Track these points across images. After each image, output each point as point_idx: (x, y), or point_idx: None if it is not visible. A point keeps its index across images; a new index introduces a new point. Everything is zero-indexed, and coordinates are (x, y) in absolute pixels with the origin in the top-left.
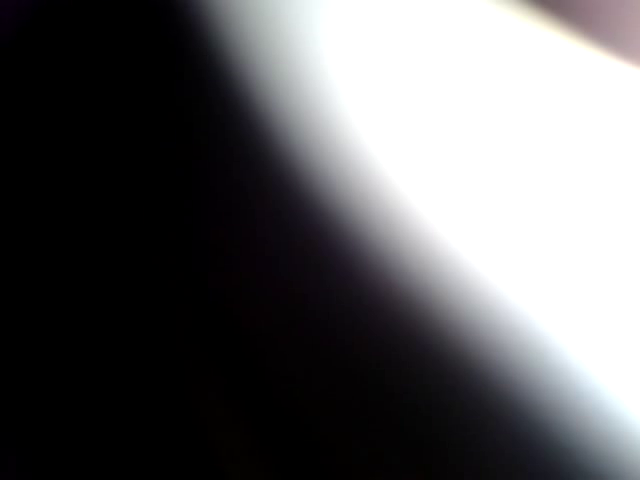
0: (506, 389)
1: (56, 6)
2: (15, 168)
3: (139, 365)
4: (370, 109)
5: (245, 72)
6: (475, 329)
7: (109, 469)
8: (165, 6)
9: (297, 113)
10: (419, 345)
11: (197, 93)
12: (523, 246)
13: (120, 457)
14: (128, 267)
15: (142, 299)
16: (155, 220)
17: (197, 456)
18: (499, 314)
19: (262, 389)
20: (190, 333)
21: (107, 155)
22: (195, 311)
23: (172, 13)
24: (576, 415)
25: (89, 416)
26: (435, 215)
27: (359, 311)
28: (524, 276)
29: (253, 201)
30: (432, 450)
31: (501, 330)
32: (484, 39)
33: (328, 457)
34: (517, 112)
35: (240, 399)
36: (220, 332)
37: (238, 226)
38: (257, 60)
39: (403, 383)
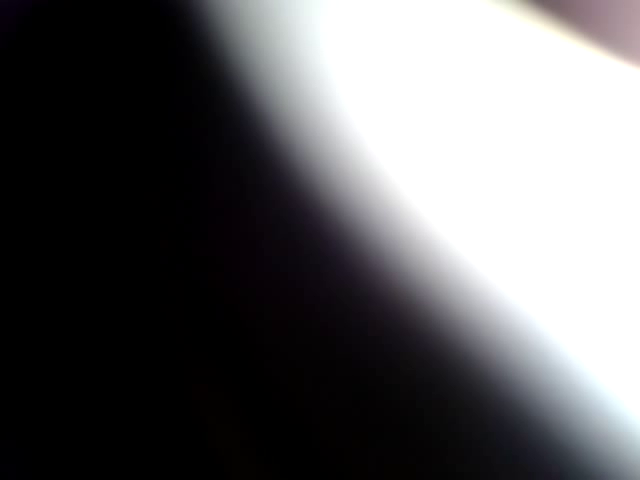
0: (506, 389)
1: (56, 6)
2: (15, 168)
3: (139, 365)
4: (370, 109)
5: (245, 72)
6: (475, 329)
7: (109, 469)
8: (165, 6)
9: (297, 113)
10: (419, 345)
11: (197, 93)
12: (523, 246)
13: (120, 457)
14: (128, 267)
15: (142, 299)
16: (155, 220)
17: (197, 456)
18: (499, 314)
19: (262, 389)
20: (190, 333)
21: (107, 155)
22: (195, 311)
23: (172, 13)
24: (576, 415)
25: (89, 416)
26: (435, 215)
27: (359, 311)
28: (524, 276)
29: (253, 201)
30: (432, 450)
31: (501, 330)
32: (484, 39)
33: (328, 457)
34: (517, 112)
35: (240, 399)
36: (220, 332)
37: (238, 226)
38: (257, 60)
39: (403, 383)
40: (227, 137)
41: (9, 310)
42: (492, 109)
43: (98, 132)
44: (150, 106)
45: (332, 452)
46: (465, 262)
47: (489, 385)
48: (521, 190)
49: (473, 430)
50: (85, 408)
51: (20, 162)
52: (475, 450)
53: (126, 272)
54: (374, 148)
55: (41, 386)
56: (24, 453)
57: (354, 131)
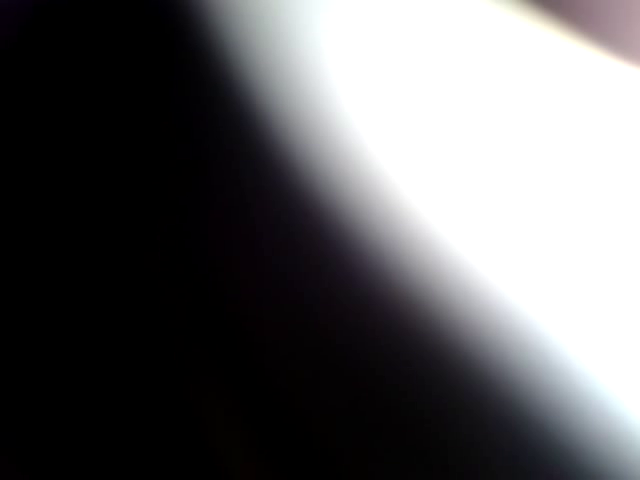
0: (506, 389)
1: (56, 6)
2: (15, 168)
3: (139, 365)
4: (370, 109)
5: (245, 72)
6: (475, 329)
7: (109, 469)
8: (165, 6)
9: (297, 113)
10: (419, 345)
11: (197, 93)
12: (523, 247)
13: (120, 457)
14: (127, 267)
15: (142, 299)
16: (154, 220)
17: (197, 456)
18: (499, 314)
19: (262, 389)
20: (190, 333)
21: (107, 155)
22: (195, 311)
23: (172, 13)
24: (576, 415)
25: (89, 416)
26: (435, 215)
27: (359, 311)
28: (524, 277)
29: (253, 201)
30: (432, 450)
31: (501, 330)
32: (484, 39)
33: (328, 457)
34: (517, 112)
35: (240, 399)
36: (220, 331)
37: (238, 226)
38: (257, 60)
39: (403, 383)
40: (227, 137)
41: (9, 310)
42: (492, 109)
43: (98, 132)
44: (150, 106)
45: (332, 452)
46: (465, 262)
47: (489, 385)
48: (521, 190)
49: (473, 430)
50: (85, 408)
51: (20, 162)
52: (475, 450)
53: (126, 272)
54: (374, 148)
55: (41, 386)
56: (24, 453)
57: (354, 131)
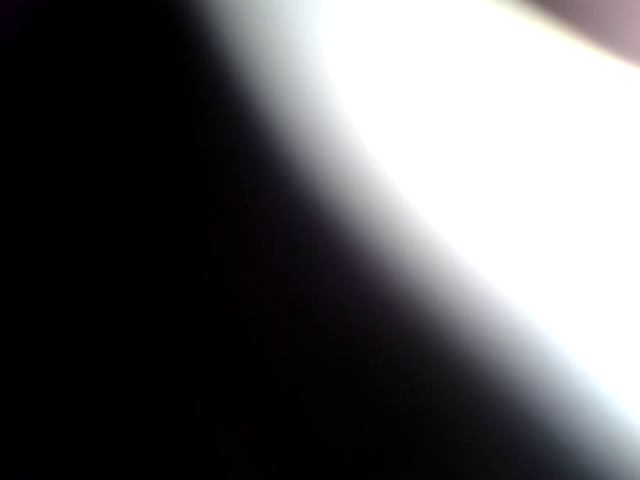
0: (506, 389)
1: (56, 7)
2: (15, 168)
3: (139, 365)
4: (370, 109)
5: (245, 72)
6: (475, 329)
7: (109, 469)
8: (165, 6)
9: (297, 113)
10: (419, 345)
11: (197, 93)
12: (523, 246)
13: (120, 457)
14: (128, 267)
15: (142, 299)
16: (155, 220)
17: (197, 456)
18: (499, 314)
19: (262, 389)
20: (190, 333)
21: (107, 155)
22: (195, 311)
23: (172, 13)
24: (576, 415)
25: (89, 416)
26: (435, 215)
27: (359, 311)
28: (524, 277)
29: (253, 201)
30: (432, 450)
31: (501, 330)
32: (484, 39)
33: (328, 457)
34: (517, 112)
35: (240, 399)
36: (220, 332)
37: (238, 226)
38: (257, 60)
39: (403, 383)
40: (227, 137)
41: (9, 310)
42: (492, 109)
43: (99, 132)
44: (150, 106)
45: (332, 452)
46: (465, 262)
47: (489, 385)
48: (521, 190)
49: (473, 430)
50: (85, 408)
51: (21, 162)
52: (475, 450)
53: (126, 273)
54: (374, 148)
55: (41, 386)
56: (24, 453)
57: (354, 131)
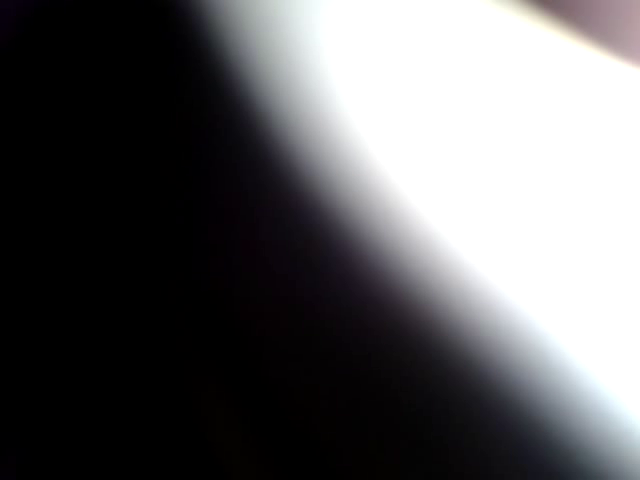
0: (506, 389)
1: (56, 6)
2: (15, 168)
3: (139, 365)
4: (370, 109)
5: (245, 72)
6: (475, 329)
7: (109, 469)
8: (165, 6)
9: (297, 113)
10: (419, 345)
11: (197, 93)
12: (523, 246)
13: (120, 457)
14: (128, 267)
15: (142, 299)
16: (155, 220)
17: (197, 456)
18: (499, 314)
19: (262, 389)
20: (190, 333)
21: (107, 155)
22: (195, 311)
23: (173, 13)
24: (576, 415)
25: (89, 416)
26: (435, 215)
27: (359, 312)
28: (524, 276)
29: (253, 201)
30: (432, 450)
31: (501, 330)
32: (484, 39)
33: (328, 457)
34: (517, 112)
35: (240, 399)
36: (220, 332)
37: (238, 226)
38: (258, 60)
39: (403, 383)
40: (227, 137)
41: (10, 311)
42: (492, 109)
43: (99, 133)
44: (151, 107)
45: (332, 452)
46: (465, 262)
47: (489, 385)
48: (521, 190)
49: (473, 430)
50: (86, 408)
51: (21, 162)
52: (475, 450)
53: (126, 273)
54: (374, 148)
55: (41, 386)
56: (24, 453)
57: (354, 131)
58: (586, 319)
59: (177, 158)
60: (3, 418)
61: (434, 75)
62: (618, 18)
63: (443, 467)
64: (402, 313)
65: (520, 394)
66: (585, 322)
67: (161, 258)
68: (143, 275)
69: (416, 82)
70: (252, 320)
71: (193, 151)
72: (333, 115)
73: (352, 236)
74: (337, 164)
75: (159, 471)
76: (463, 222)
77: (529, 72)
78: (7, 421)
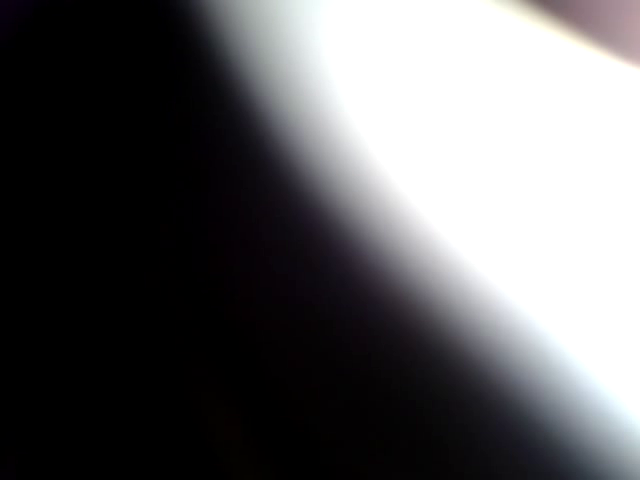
0: (506, 389)
1: (56, 6)
2: (15, 168)
3: (139, 365)
4: (370, 109)
5: (245, 72)
6: (475, 329)
7: (109, 469)
8: (165, 6)
9: (297, 113)
10: (419, 345)
11: (197, 93)
12: (523, 246)
13: (120, 457)
14: (128, 267)
15: (142, 299)
16: (155, 220)
17: (197, 456)
18: (499, 314)
19: (262, 389)
20: (190, 333)
21: (107, 155)
22: (195, 311)
23: (172, 13)
24: (576, 415)
25: (89, 416)
26: (435, 215)
27: (359, 311)
28: (524, 276)
29: (253, 201)
30: (432, 450)
31: (501, 330)
32: (484, 39)
33: (328, 457)
34: (517, 112)
35: (240, 398)
36: (220, 331)
37: (238, 225)
38: (257, 60)
39: (403, 383)
40: (227, 137)
41: (9, 310)
42: (492, 109)
43: (98, 132)
44: (150, 107)
45: (332, 452)
46: (465, 262)
47: (489, 385)
48: (521, 190)
49: (473, 430)
50: (85, 408)
51: (20, 162)
52: (475, 450)
53: (126, 272)
54: (374, 148)
55: (41, 386)
56: (24, 453)
57: (354, 131)
58: (586, 319)
59: (177, 158)
60: (3, 418)
61: (434, 75)
62: (618, 18)
63: (443, 467)
64: (402, 313)
65: (520, 394)
66: (585, 322)
67: (161, 258)
68: (143, 275)
69: (416, 82)
70: (252, 320)
71: (193, 151)
72: (333, 115)
73: (352, 236)
74: (337, 164)
75: (159, 471)
76: (463, 222)
77: (529, 72)
78: (7, 421)
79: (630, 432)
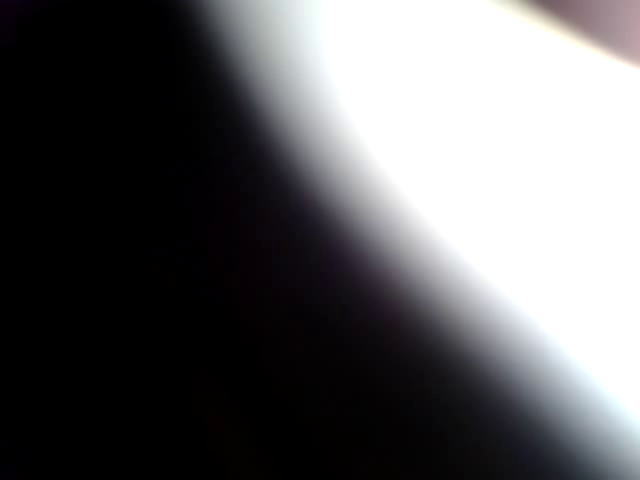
0: (506, 389)
1: (56, 6)
2: (15, 168)
3: (139, 365)
4: (370, 109)
5: (245, 72)
6: (475, 329)
7: (109, 469)
8: (165, 6)
9: (297, 113)
10: (419, 345)
11: (197, 93)
12: (523, 246)
13: (120, 457)
14: (128, 267)
15: (142, 299)
16: (155, 220)
17: (197, 456)
18: (499, 314)
19: (262, 389)
20: (190, 332)
21: (107, 155)
22: (195, 311)
23: (172, 13)
24: (576, 415)
25: (89, 416)
26: (435, 215)
27: (359, 311)
28: (524, 277)
29: (253, 201)
30: (432, 450)
31: (501, 330)
32: (484, 39)
33: (328, 457)
34: (517, 112)
35: (240, 398)
36: (220, 331)
37: (238, 225)
38: (257, 60)
39: (403, 383)
40: (227, 137)
41: (9, 310)
42: (492, 109)
43: (98, 132)
44: (150, 107)
45: (332, 452)
46: (466, 262)
47: (489, 385)
48: (521, 190)
49: (473, 430)
50: (85, 408)
51: (20, 162)
52: (475, 450)
53: (126, 272)
54: (374, 148)
55: (41, 386)
56: (24, 453)
57: (355, 131)
58: (586, 319)
59: (177, 158)
60: (3, 419)
61: (434, 75)
62: (618, 18)
63: (443, 467)
64: (402, 313)
65: (520, 394)
66: (585, 322)
67: (161, 258)
68: (143, 274)
69: (416, 82)
70: (252, 320)
71: (193, 151)
72: (333, 115)
73: (352, 235)
74: (337, 164)
75: (159, 471)
76: (463, 222)
77: (529, 72)
78: (7, 422)
79: (630, 432)
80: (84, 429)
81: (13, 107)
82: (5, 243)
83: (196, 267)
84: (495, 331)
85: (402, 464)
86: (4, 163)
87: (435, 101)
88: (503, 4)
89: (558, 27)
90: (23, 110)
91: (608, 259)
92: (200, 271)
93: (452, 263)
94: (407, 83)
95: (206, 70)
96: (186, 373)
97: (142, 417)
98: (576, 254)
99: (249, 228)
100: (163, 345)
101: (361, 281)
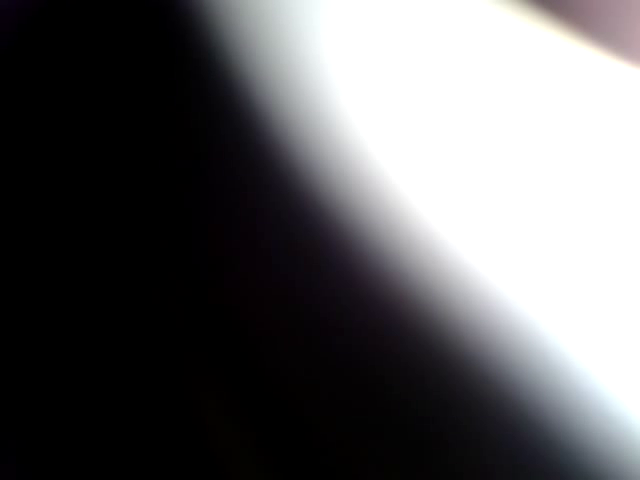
0: (506, 389)
1: (56, 6)
2: (15, 168)
3: (139, 365)
4: (370, 109)
5: (245, 72)
6: (475, 329)
7: (109, 469)
8: (165, 6)
9: (297, 113)
10: (419, 345)
11: (197, 93)
12: (523, 247)
13: (120, 457)
14: (128, 267)
15: (142, 299)
16: (155, 220)
17: (197, 456)
18: (499, 314)
19: (262, 389)
20: (190, 333)
21: (107, 155)
22: (195, 311)
23: (172, 13)
24: (576, 415)
25: (89, 416)
26: (435, 215)
27: (359, 311)
28: (524, 277)
29: (253, 201)
30: (432, 450)
31: (501, 330)
32: (484, 39)
33: (328, 457)
34: (517, 112)
35: (240, 398)
36: (220, 331)
37: (238, 225)
38: (257, 60)
39: (403, 383)
40: (227, 137)
41: (9, 310)
42: (492, 109)
43: (98, 132)
44: (150, 106)
45: (332, 452)
46: (466, 263)
47: (489, 385)
48: (521, 190)
49: (473, 430)
50: (85, 408)
51: (20, 162)
52: (475, 450)
53: (126, 272)
54: (374, 148)
55: (41, 386)
56: (24, 453)
57: (354, 131)
58: (586, 319)
59: (177, 157)
60: (3, 419)
61: (434, 75)
62: (618, 18)
63: (443, 467)
64: (402, 313)
65: (520, 394)
66: (585, 322)
67: (161, 258)
68: (143, 274)
69: (416, 82)
70: (252, 319)
71: (193, 150)
72: (333, 115)
73: (352, 235)
74: (337, 164)
75: (159, 471)
76: (464, 222)
77: (529, 72)
78: (7, 422)
79: (630, 432)
80: (85, 429)
81: (13, 107)
82: (6, 244)
83: (196, 267)
84: (495, 331)
85: (402, 464)
86: (5, 163)
87: (435, 101)
88: (503, 4)
89: (558, 27)
90: (23, 110)
91: (608, 259)
92: (200, 271)
93: (452, 263)
94: (407, 83)
95: (206, 70)
96: (186, 373)
97: (142, 417)
98: (576, 254)
99: (249, 228)
100: (163, 345)
101: (361, 281)
